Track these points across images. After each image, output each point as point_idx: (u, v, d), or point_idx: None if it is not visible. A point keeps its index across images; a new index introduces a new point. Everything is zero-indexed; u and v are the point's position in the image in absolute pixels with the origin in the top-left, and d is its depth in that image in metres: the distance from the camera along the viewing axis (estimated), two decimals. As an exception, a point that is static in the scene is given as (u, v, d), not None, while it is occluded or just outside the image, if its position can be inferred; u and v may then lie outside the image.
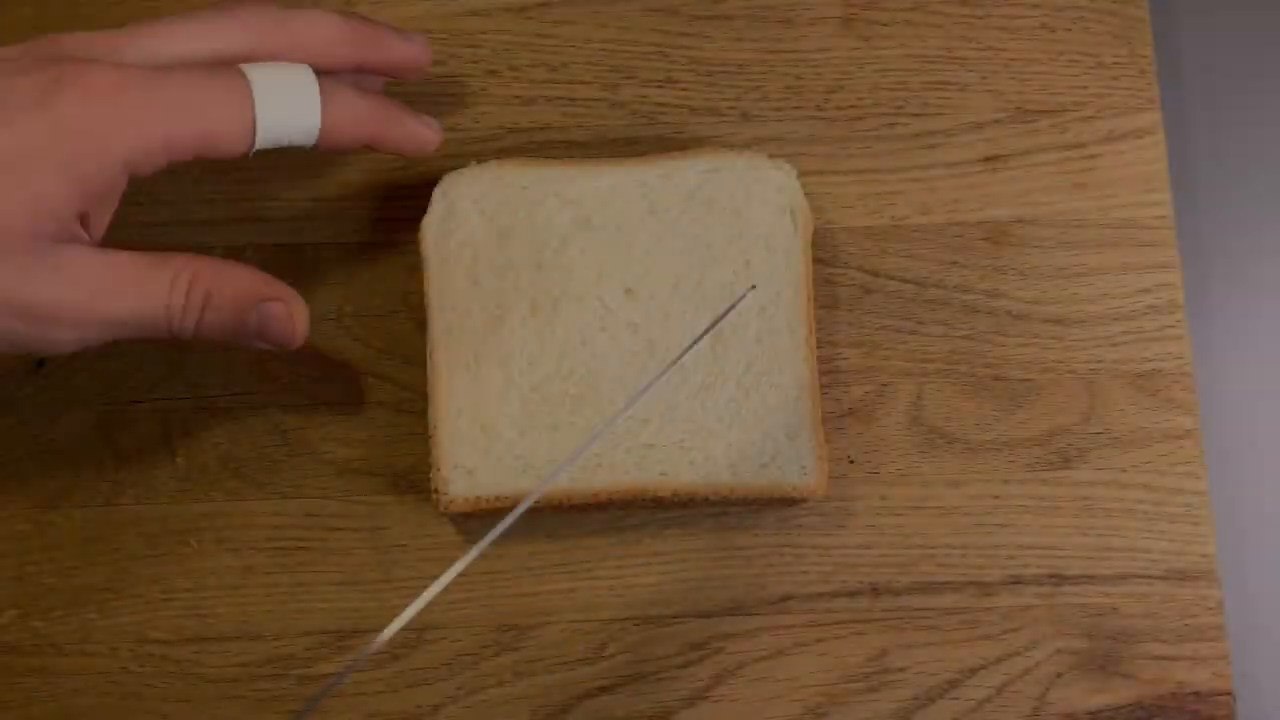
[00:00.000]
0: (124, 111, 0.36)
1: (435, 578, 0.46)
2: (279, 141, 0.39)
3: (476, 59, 0.50)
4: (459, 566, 0.39)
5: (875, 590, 0.46)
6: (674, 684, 0.46)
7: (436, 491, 0.44)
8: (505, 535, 0.46)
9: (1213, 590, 0.46)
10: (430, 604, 0.46)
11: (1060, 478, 0.47)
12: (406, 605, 0.46)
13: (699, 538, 0.46)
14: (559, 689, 0.45)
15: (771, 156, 0.47)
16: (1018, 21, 0.51)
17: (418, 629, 0.45)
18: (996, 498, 0.47)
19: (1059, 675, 0.46)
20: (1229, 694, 0.46)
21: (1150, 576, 0.47)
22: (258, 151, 0.39)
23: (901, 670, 0.46)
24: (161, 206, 0.48)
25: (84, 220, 0.37)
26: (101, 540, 0.46)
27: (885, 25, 0.50)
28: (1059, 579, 0.46)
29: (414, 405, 0.47)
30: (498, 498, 0.43)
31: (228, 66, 0.39)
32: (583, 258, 0.45)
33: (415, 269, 0.46)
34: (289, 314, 0.40)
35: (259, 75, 0.38)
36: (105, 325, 0.37)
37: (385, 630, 0.38)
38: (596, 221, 0.45)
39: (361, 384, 0.47)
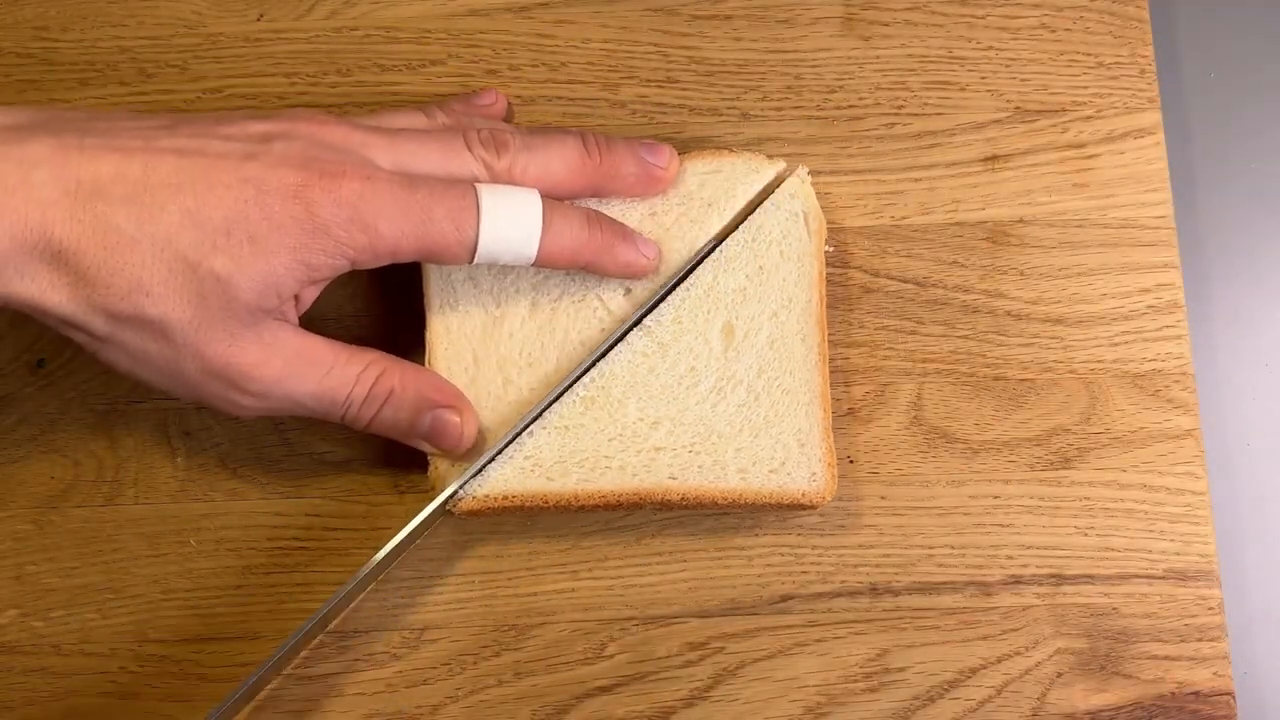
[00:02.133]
0: (365, 220, 0.39)
1: (435, 578, 0.46)
2: (495, 260, 0.41)
3: (476, 59, 0.50)
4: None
5: (875, 590, 0.46)
6: (674, 684, 0.46)
7: (433, 488, 0.44)
8: (505, 535, 0.46)
9: (1213, 590, 0.46)
10: (430, 604, 0.46)
11: (1060, 478, 0.47)
12: (407, 605, 0.46)
13: (699, 538, 0.46)
14: (559, 689, 0.45)
15: (771, 157, 0.47)
16: (1018, 21, 0.51)
17: (418, 629, 0.45)
18: (996, 498, 0.47)
19: (1059, 675, 0.46)
20: (1229, 694, 0.46)
21: (1150, 576, 0.47)
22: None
23: (901, 670, 0.46)
24: None
25: (296, 300, 0.41)
26: (101, 540, 0.46)
27: (885, 25, 0.50)
28: (1059, 579, 0.46)
29: (414, 405, 0.47)
30: (505, 496, 0.43)
31: (463, 183, 0.41)
32: None
33: (415, 269, 0.45)
34: (460, 424, 0.43)
35: (489, 200, 0.41)
36: (287, 401, 0.41)
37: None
38: None
39: (361, 384, 0.47)
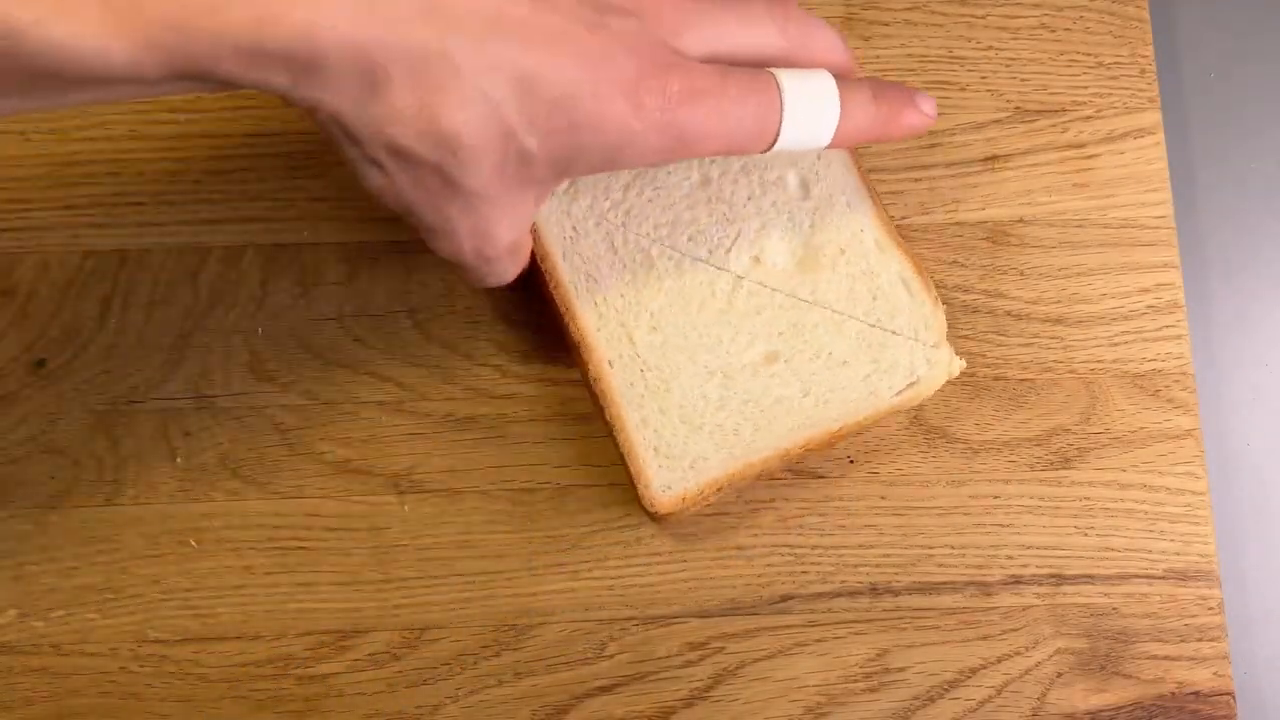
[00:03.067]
0: (679, 124, 0.37)
1: (435, 578, 0.46)
2: (793, 148, 0.40)
3: (476, 59, 0.50)
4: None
5: (875, 590, 0.46)
6: (674, 684, 0.46)
7: (646, 500, 0.44)
8: (506, 535, 0.46)
9: (1213, 590, 0.46)
10: (430, 604, 0.46)
11: (1060, 478, 0.47)
12: (406, 605, 0.46)
13: (699, 538, 0.46)
14: (559, 689, 0.45)
15: None
16: (1017, 21, 0.51)
17: (418, 629, 0.45)
18: (996, 498, 0.47)
19: (1059, 675, 0.46)
20: (1229, 694, 0.46)
21: (1150, 576, 0.47)
22: None
23: (901, 670, 0.46)
24: (164, 206, 0.48)
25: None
26: (101, 540, 0.46)
27: (885, 25, 0.50)
28: (1059, 579, 0.46)
29: (414, 405, 0.47)
30: (715, 480, 0.44)
31: (765, 73, 0.39)
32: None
33: (415, 269, 0.46)
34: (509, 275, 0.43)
35: (790, 86, 0.39)
36: (476, 269, 0.40)
37: None
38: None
39: (361, 384, 0.47)
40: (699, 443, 0.44)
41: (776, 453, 0.44)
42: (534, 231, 0.45)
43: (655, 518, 0.44)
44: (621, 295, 0.45)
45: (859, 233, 0.45)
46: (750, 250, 0.45)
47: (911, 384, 0.44)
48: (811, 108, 0.40)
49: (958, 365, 0.45)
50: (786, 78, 0.39)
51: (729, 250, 0.45)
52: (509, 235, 0.39)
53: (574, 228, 0.45)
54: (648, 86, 0.37)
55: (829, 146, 0.41)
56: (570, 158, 0.37)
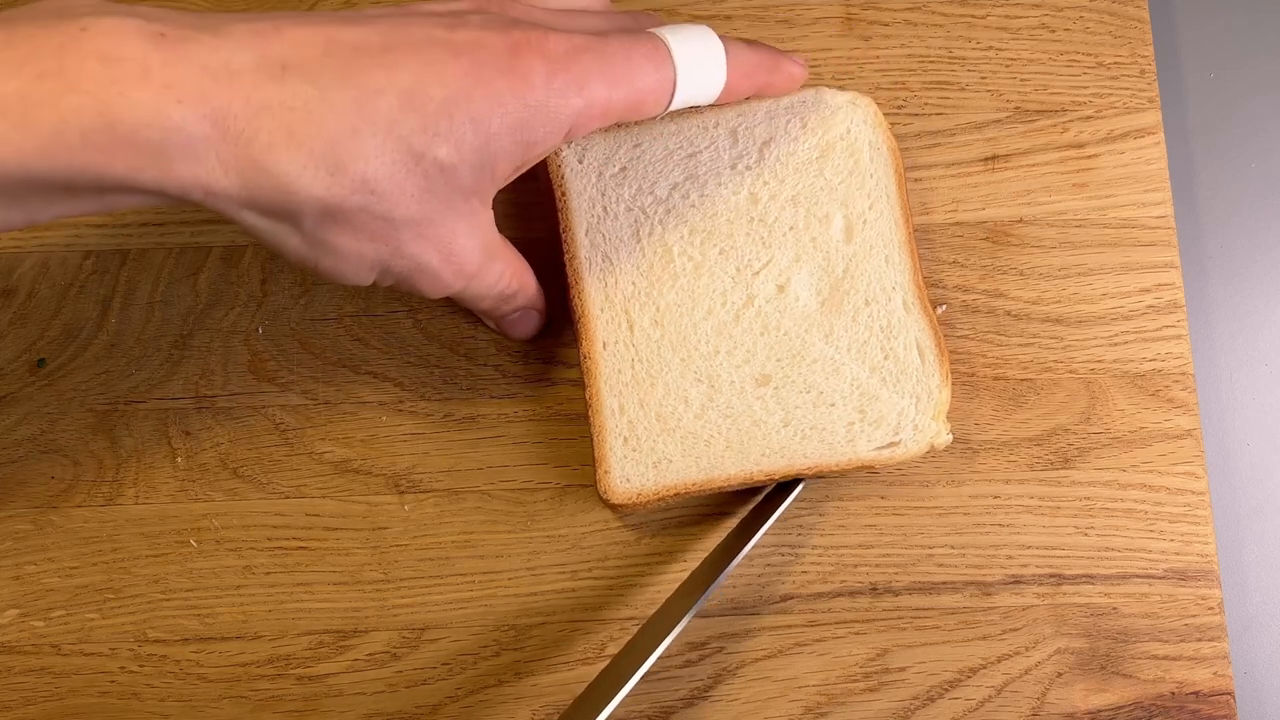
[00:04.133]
0: (577, 78, 0.37)
1: (435, 578, 0.46)
2: (687, 102, 0.41)
3: (476, 59, 0.50)
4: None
5: (875, 590, 0.46)
6: (674, 684, 0.46)
7: (602, 486, 0.44)
8: (506, 535, 0.46)
9: (1213, 590, 0.46)
10: (430, 604, 0.46)
11: (1060, 478, 0.47)
12: (406, 605, 0.46)
13: (699, 538, 0.46)
14: (559, 689, 0.45)
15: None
16: (1018, 21, 0.51)
17: (418, 629, 0.45)
18: (996, 498, 0.47)
19: (1059, 675, 0.46)
20: (1229, 694, 0.46)
21: (1150, 576, 0.46)
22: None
23: (901, 670, 0.46)
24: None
25: (503, 182, 0.39)
26: (101, 540, 0.46)
27: (885, 25, 0.50)
28: (1059, 579, 0.46)
29: (414, 405, 0.47)
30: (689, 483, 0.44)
31: (648, 32, 0.40)
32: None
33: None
34: (539, 323, 0.46)
35: (675, 39, 0.40)
36: (463, 292, 0.40)
37: None
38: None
39: (361, 384, 0.47)
40: (668, 444, 0.44)
41: (741, 473, 0.44)
42: (562, 201, 0.45)
43: (608, 505, 0.44)
44: (633, 283, 0.45)
45: (890, 290, 0.45)
46: (778, 279, 0.45)
47: (892, 444, 0.44)
48: (699, 52, 0.40)
49: (944, 439, 0.44)
50: (664, 30, 0.40)
51: (758, 273, 0.45)
52: (473, 244, 0.39)
53: (604, 208, 0.45)
54: (528, 56, 0.36)
55: (724, 97, 0.42)
56: (488, 151, 0.36)
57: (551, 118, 0.37)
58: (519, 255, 0.43)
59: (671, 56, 0.40)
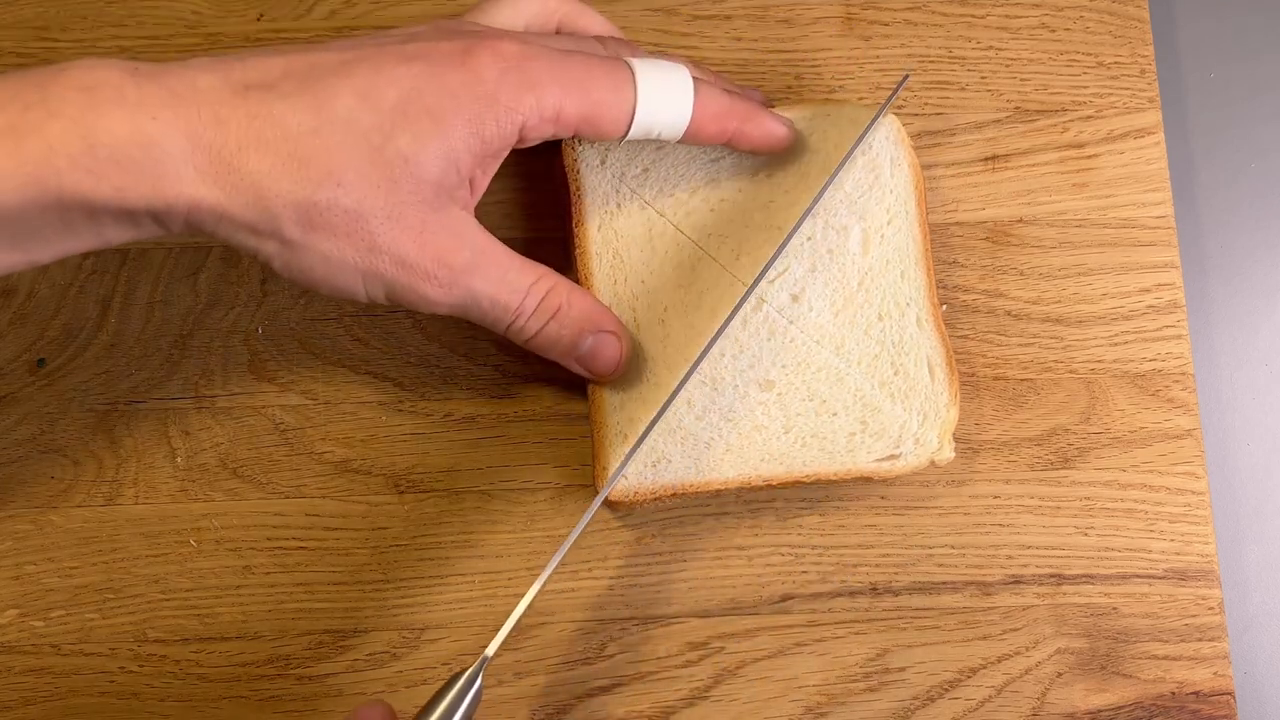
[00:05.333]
0: (529, 77, 0.38)
1: (435, 578, 0.46)
2: (649, 132, 0.42)
3: (476, 59, 0.50)
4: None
5: (875, 590, 0.46)
6: (674, 684, 0.46)
7: (600, 482, 0.44)
8: (506, 535, 0.46)
9: (1213, 590, 0.46)
10: (430, 604, 0.46)
11: (1060, 478, 0.47)
12: (406, 605, 0.46)
13: (699, 538, 0.46)
14: (559, 689, 0.45)
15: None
16: (1018, 21, 0.51)
17: (418, 629, 0.45)
18: (996, 498, 0.47)
19: (1059, 675, 0.46)
20: (1229, 694, 0.46)
21: (1150, 576, 0.47)
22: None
23: (901, 670, 0.46)
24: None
25: (471, 185, 0.40)
26: (101, 540, 0.46)
27: (885, 25, 0.50)
28: (1059, 579, 0.46)
29: (413, 405, 0.47)
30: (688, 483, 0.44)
31: (614, 57, 0.41)
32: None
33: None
34: (618, 350, 0.43)
35: (641, 67, 0.41)
36: (468, 296, 0.40)
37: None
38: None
39: (361, 384, 0.47)
40: (668, 444, 0.44)
41: (739, 477, 0.44)
42: (576, 196, 0.45)
43: (606, 503, 0.44)
44: (642, 281, 0.45)
45: (904, 305, 0.45)
46: (792, 288, 0.45)
47: (892, 456, 0.44)
48: (663, 83, 0.41)
49: (946, 455, 0.44)
50: (636, 60, 0.41)
51: (773, 281, 0.45)
52: (452, 239, 0.39)
53: (618, 204, 0.45)
54: (480, 54, 0.38)
55: (691, 137, 0.42)
56: (448, 142, 0.37)
57: (503, 112, 0.38)
58: (557, 275, 0.42)
59: (634, 80, 0.40)
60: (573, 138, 0.45)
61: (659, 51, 0.46)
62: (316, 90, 0.36)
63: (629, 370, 0.44)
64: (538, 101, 0.38)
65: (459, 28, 0.40)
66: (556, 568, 0.46)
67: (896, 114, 0.49)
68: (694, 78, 0.42)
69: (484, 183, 0.40)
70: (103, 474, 0.46)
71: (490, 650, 0.38)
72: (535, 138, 0.39)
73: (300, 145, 0.36)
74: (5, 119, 0.33)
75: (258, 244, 0.37)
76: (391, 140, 0.37)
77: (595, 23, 0.45)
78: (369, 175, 0.37)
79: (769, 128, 0.44)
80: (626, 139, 0.41)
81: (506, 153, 0.40)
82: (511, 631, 0.44)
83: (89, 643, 0.45)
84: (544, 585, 0.39)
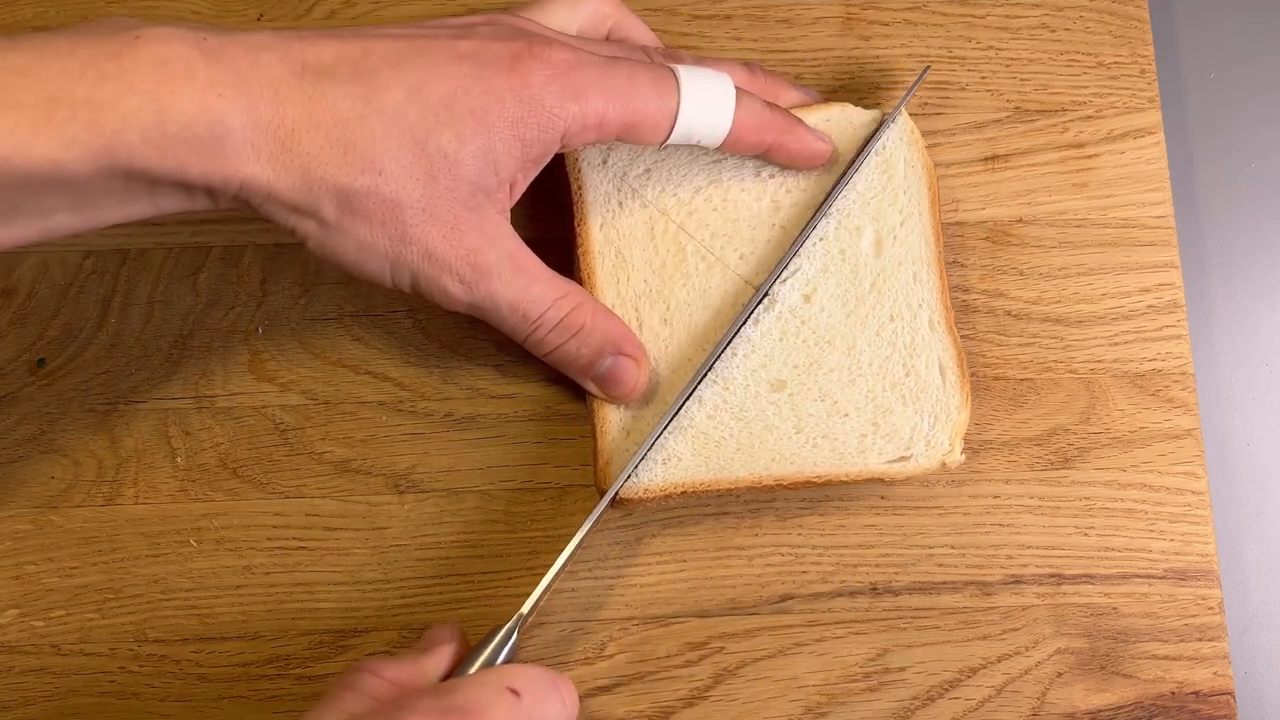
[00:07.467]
0: (576, 86, 0.39)
1: (436, 578, 0.46)
2: (689, 138, 0.42)
3: (476, 59, 0.50)
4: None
5: (875, 590, 0.46)
6: (674, 684, 0.46)
7: (601, 478, 0.44)
8: (506, 535, 0.46)
9: (1213, 590, 0.46)
10: (431, 604, 0.46)
11: (1060, 478, 0.47)
12: (406, 605, 0.46)
13: (699, 538, 0.46)
14: (559, 689, 0.45)
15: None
16: (1018, 21, 0.51)
17: (418, 629, 0.45)
18: (996, 497, 0.47)
19: (1059, 675, 0.46)
20: (1229, 694, 0.46)
21: (1150, 576, 0.47)
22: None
23: (901, 670, 0.46)
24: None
25: (511, 189, 0.40)
26: (101, 540, 0.46)
27: (885, 25, 0.50)
28: (1059, 579, 0.46)
29: (413, 405, 0.47)
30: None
31: (660, 64, 0.42)
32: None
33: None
34: (635, 375, 0.43)
35: (686, 75, 0.41)
36: (488, 300, 0.40)
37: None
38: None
39: (361, 384, 0.47)
40: (679, 442, 0.44)
41: (750, 476, 0.44)
42: (578, 195, 0.45)
43: (612, 501, 0.44)
44: (645, 280, 0.45)
45: (916, 308, 0.45)
46: (804, 288, 0.45)
47: (903, 458, 0.44)
48: (707, 91, 0.41)
49: (956, 458, 0.44)
50: (681, 67, 0.42)
51: (785, 281, 0.45)
52: (482, 239, 0.39)
53: (620, 203, 0.45)
54: (528, 60, 0.39)
55: (730, 146, 0.43)
56: (489, 144, 0.38)
57: (546, 118, 0.39)
58: (586, 293, 0.43)
59: (678, 88, 0.41)
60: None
61: (706, 58, 0.46)
62: (369, 79, 0.37)
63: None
64: (581, 109, 0.39)
65: (515, 25, 0.41)
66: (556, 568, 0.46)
67: (896, 114, 0.49)
68: (737, 88, 0.42)
69: (523, 187, 0.41)
70: (103, 474, 0.46)
71: (525, 608, 0.40)
72: (577, 144, 0.40)
73: (348, 131, 0.37)
74: (83, 89, 0.34)
75: (296, 222, 0.38)
76: (435, 136, 0.38)
77: (644, 34, 0.46)
78: (409, 168, 0.38)
79: (807, 142, 0.44)
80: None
81: (548, 159, 0.40)
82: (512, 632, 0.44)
83: (89, 643, 0.45)
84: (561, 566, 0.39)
